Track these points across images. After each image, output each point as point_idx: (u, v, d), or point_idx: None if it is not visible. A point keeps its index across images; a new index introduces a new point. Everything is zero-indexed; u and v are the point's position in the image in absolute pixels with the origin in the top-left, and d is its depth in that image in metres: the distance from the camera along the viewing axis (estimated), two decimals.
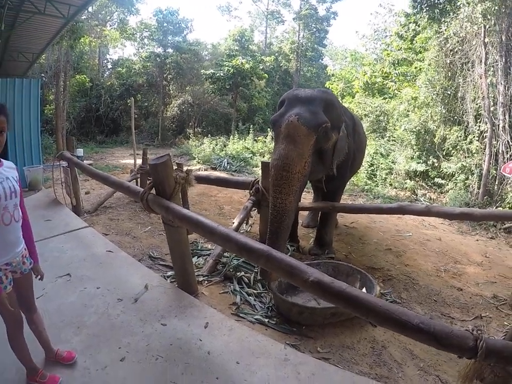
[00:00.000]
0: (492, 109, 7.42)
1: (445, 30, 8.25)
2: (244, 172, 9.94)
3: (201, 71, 15.67)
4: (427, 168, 8.97)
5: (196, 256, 3.71)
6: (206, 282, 3.15)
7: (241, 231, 4.37)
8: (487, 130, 7.32)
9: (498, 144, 7.22)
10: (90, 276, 2.90)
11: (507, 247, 5.26)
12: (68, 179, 4.74)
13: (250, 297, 3.00)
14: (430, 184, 9.05)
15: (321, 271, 3.38)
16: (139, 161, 10.50)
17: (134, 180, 5.62)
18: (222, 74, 14.67)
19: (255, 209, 3.92)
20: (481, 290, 3.62)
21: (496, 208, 6.44)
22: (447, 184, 8.49)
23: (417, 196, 8.62)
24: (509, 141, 7.02)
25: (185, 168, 3.14)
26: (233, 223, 3.56)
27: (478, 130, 7.71)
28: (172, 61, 15.45)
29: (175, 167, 2.60)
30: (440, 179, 8.68)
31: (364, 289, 3.03)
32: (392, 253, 4.53)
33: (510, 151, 6.96)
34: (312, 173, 3.09)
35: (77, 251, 3.35)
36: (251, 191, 3.63)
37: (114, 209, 5.21)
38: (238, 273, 3.23)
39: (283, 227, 2.77)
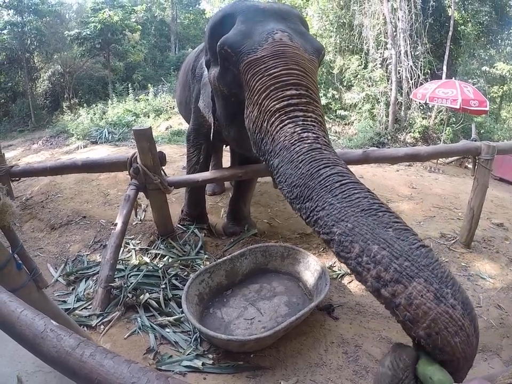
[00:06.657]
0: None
1: None
2: (128, 139, 8.28)
3: (65, 32, 12.95)
4: (328, 101, 8.74)
5: (84, 280, 2.56)
6: (101, 326, 2.08)
7: (135, 223, 3.25)
8: (391, 57, 7.14)
9: (402, 70, 7.14)
10: None
11: (427, 173, 5.24)
12: None
13: (167, 330, 2.05)
14: (333, 117, 8.93)
15: (249, 262, 2.45)
16: (12, 154, 8.12)
17: None
18: (88, 32, 12.29)
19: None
20: (426, 231, 3.30)
21: (406, 134, 6.48)
22: (351, 116, 8.44)
23: None
24: (412, 66, 6.95)
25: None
26: (116, 224, 2.42)
27: (380, 57, 7.53)
28: (32, 28, 12.49)
29: None
30: (343, 111, 8.56)
31: (310, 274, 2.35)
32: None
33: (414, 76, 6.93)
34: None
35: None
36: (130, 173, 2.51)
37: None
38: (141, 297, 2.21)
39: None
